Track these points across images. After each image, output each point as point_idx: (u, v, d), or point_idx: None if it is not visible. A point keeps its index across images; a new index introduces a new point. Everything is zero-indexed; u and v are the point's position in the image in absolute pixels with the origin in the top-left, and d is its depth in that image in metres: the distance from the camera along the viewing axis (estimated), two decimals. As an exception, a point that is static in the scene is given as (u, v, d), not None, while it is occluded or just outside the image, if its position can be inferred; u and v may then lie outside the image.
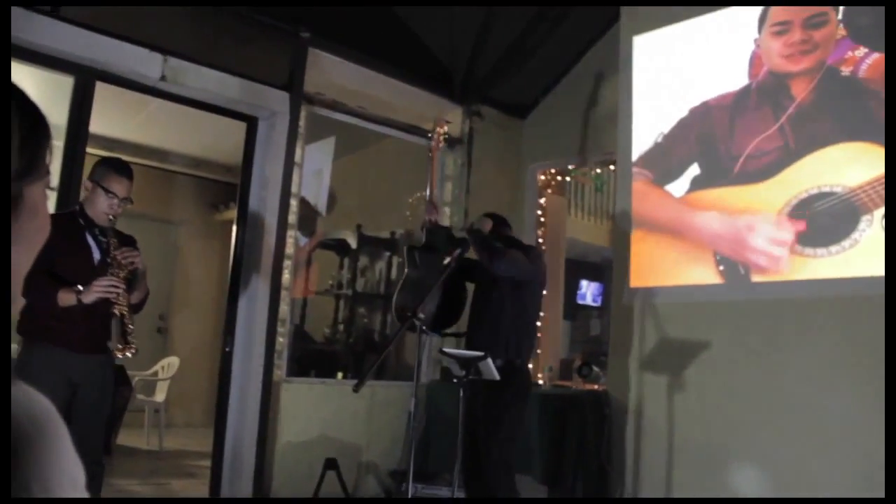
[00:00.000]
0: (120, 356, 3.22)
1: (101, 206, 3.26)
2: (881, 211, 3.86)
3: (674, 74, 4.93)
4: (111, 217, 3.26)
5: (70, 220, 3.29)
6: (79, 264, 3.23)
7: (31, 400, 0.77)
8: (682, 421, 4.47)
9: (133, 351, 3.20)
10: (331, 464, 4.65)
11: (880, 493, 3.55)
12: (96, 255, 3.28)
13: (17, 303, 0.85)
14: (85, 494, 0.80)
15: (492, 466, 3.54)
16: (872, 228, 3.89)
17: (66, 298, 3.10)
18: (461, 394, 3.17)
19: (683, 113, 4.84)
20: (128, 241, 3.42)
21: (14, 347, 3.26)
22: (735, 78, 4.61)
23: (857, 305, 3.90)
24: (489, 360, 3.12)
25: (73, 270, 3.18)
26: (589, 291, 9.43)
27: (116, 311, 3.18)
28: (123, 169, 3.33)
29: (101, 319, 3.20)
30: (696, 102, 4.79)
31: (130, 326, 3.20)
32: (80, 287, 3.10)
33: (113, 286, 3.14)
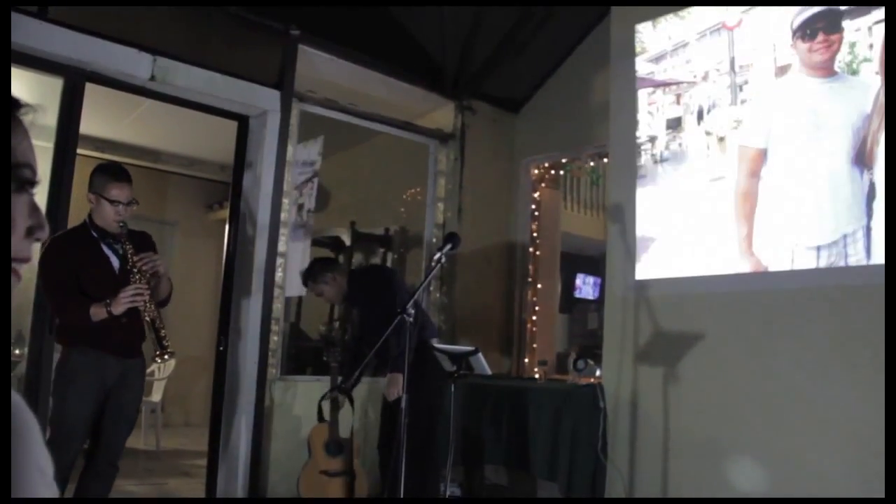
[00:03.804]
0: (158, 361, 3.35)
1: (108, 216, 3.33)
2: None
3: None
4: (121, 223, 3.33)
5: (83, 234, 3.37)
6: (101, 277, 3.33)
7: None
8: (677, 412, 4.47)
9: (169, 355, 3.29)
10: (327, 461, 4.64)
11: (876, 482, 3.56)
12: (115, 264, 3.38)
13: None
14: (52, 484, 0.81)
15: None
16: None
17: (97, 313, 3.22)
18: (452, 389, 3.17)
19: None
20: (142, 239, 3.51)
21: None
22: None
23: (852, 294, 3.90)
24: (480, 355, 3.12)
25: (97, 283, 3.30)
26: (586, 285, 9.41)
27: (147, 318, 3.28)
28: (121, 174, 3.40)
29: (134, 324, 3.33)
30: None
31: (163, 331, 3.30)
32: (108, 300, 3.20)
33: (138, 294, 3.24)
